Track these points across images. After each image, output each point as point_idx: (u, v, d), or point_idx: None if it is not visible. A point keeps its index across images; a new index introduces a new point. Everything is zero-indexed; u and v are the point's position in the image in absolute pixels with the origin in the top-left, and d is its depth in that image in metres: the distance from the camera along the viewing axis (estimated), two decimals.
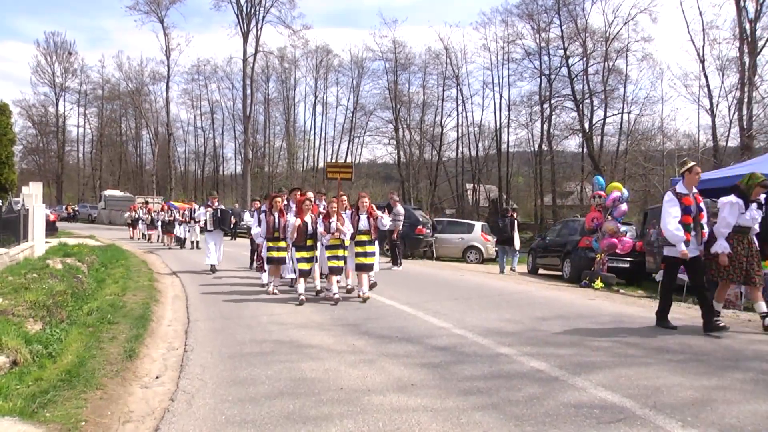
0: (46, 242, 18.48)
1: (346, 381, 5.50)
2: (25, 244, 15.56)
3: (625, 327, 8.56)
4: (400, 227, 18.35)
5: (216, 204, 16.10)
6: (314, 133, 64.08)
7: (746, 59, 30.90)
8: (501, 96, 50.28)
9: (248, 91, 51.44)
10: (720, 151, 32.70)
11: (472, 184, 53.21)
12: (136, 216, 32.38)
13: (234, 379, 5.60)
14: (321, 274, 11.44)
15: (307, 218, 10.77)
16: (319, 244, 11.09)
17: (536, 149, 47.68)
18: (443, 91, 53.95)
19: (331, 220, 10.58)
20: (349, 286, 11.64)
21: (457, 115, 53.37)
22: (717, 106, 34.57)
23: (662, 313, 8.58)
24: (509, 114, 49.30)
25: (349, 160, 59.15)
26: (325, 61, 60.77)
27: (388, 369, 5.92)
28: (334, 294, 10.47)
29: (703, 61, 34.31)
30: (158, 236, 28.66)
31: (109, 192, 58.31)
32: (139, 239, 30.94)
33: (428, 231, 23.77)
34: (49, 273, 10.91)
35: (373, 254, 11.10)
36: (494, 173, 51.40)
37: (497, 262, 24.29)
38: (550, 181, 46.14)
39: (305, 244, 10.72)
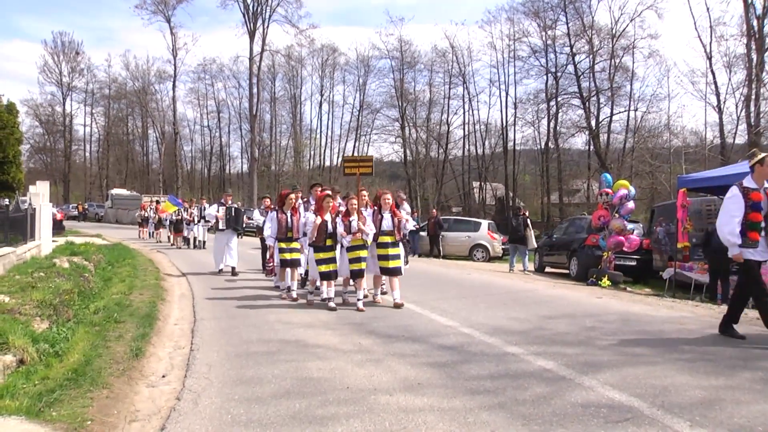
0: (53, 241, 18.52)
1: (352, 380, 5.48)
2: (32, 242, 15.60)
3: (633, 326, 8.52)
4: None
5: (230, 202, 15.43)
6: (321, 132, 64.12)
7: (754, 56, 30.71)
8: (507, 94, 50.17)
9: (255, 90, 51.47)
10: (727, 148, 32.57)
11: (478, 182, 53.10)
12: (146, 215, 32.09)
13: (240, 378, 5.59)
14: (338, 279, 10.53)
15: (328, 216, 9.85)
16: (338, 246, 10.20)
17: (543, 147, 47.56)
18: (449, 89, 53.94)
19: (351, 219, 9.76)
20: (377, 297, 10.63)
21: (464, 113, 53.31)
22: (724, 103, 34.47)
23: (730, 321, 7.68)
24: (515, 112, 49.19)
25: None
26: (332, 60, 60.84)
27: (395, 368, 5.90)
28: (358, 300, 9.68)
29: (710, 58, 34.16)
30: (167, 236, 28.17)
31: (116, 191, 58.48)
32: (145, 238, 30.69)
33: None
34: (56, 272, 10.94)
35: (397, 257, 10.11)
36: (501, 171, 51.27)
37: (504, 261, 24.34)
38: (557, 178, 45.97)
39: (324, 244, 9.77)
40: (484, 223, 26.23)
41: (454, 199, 54.89)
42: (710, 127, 38.73)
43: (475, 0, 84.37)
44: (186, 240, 25.66)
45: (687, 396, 5.00)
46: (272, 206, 12.15)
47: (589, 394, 5.02)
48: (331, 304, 9.55)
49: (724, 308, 10.75)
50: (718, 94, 34.39)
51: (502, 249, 25.02)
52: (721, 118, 34.10)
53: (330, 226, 9.78)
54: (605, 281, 14.43)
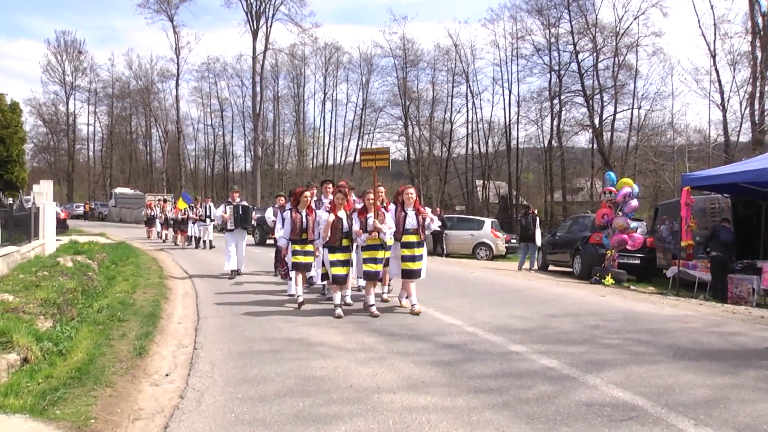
0: (57, 240, 18.55)
1: (356, 379, 5.48)
2: (36, 241, 15.62)
3: (636, 324, 8.51)
4: None
5: (237, 200, 14.44)
6: (324, 130, 63.97)
7: (758, 54, 30.63)
8: (510, 92, 50.03)
9: (258, 89, 51.45)
10: (731, 146, 32.43)
11: (481, 181, 52.99)
12: (152, 214, 30.70)
13: (244, 376, 5.59)
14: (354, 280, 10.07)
15: (342, 213, 9.10)
16: (354, 246, 9.51)
17: (546, 145, 47.41)
18: (452, 87, 53.75)
19: (368, 216, 8.98)
20: (384, 295, 10.31)
21: (467, 111, 53.18)
22: (728, 101, 34.28)
23: None
24: (519, 110, 49.02)
25: (358, 157, 59.01)
26: (335, 58, 60.69)
27: (399, 367, 5.90)
28: (371, 305, 8.94)
29: (714, 56, 34.02)
30: (173, 236, 27.19)
31: (119, 190, 58.56)
32: (153, 239, 29.56)
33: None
34: (60, 271, 10.95)
35: (421, 258, 9.26)
36: (504, 169, 51.14)
37: (508, 259, 24.34)
38: (560, 177, 45.88)
39: (340, 244, 9.01)
40: (488, 222, 26.19)
41: (457, 197, 54.79)
42: (714, 125, 38.68)
43: None
44: (191, 239, 24.85)
45: (691, 395, 4.99)
46: (284, 204, 11.33)
47: (593, 393, 5.02)
48: (338, 312, 8.76)
49: (727, 307, 10.77)
50: (722, 92, 34.27)
51: (506, 247, 25.01)
52: (725, 116, 34.01)
53: (345, 224, 9.02)
54: (609, 279, 14.41)
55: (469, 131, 53.21)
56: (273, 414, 4.54)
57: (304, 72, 62.39)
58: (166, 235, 28.47)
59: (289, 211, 10.09)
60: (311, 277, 11.03)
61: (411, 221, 9.14)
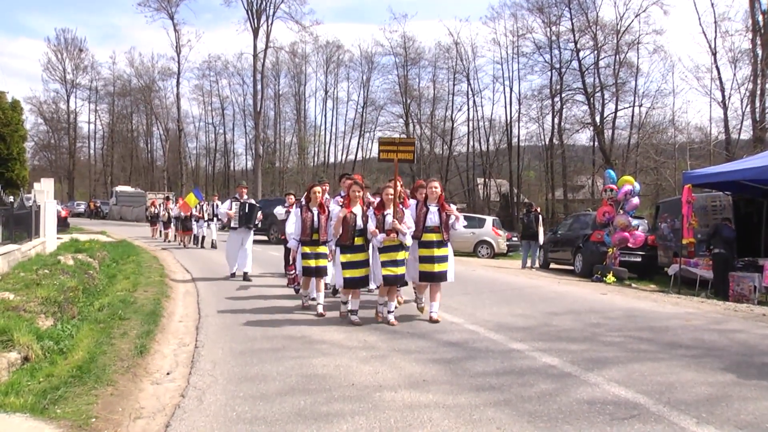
0: (58, 238, 18.55)
1: (357, 377, 5.48)
2: (37, 240, 15.63)
3: (638, 322, 8.51)
4: None
5: (245, 196, 13.40)
6: (325, 128, 64.01)
7: (759, 51, 30.58)
8: (511, 90, 49.98)
9: (259, 87, 51.47)
10: (732, 144, 32.38)
11: (482, 179, 52.98)
12: (156, 212, 29.46)
13: (245, 375, 5.58)
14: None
15: (357, 209, 8.19)
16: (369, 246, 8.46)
17: (547, 143, 47.36)
18: (453, 85, 53.74)
19: (385, 214, 8.03)
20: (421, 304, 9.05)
21: (468, 109, 53.16)
22: (729, 98, 34.22)
23: None
24: (520, 108, 48.97)
25: (359, 155, 59.03)
26: (336, 57, 60.73)
27: (400, 365, 5.89)
28: (389, 312, 8.10)
29: (714, 54, 33.95)
30: (175, 234, 26.05)
31: (120, 188, 58.60)
32: (157, 237, 28.57)
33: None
34: (61, 269, 10.94)
35: (444, 259, 8.25)
36: (505, 167, 51.11)
37: (509, 257, 24.33)
38: (561, 175, 45.82)
39: (353, 243, 8.10)
40: (489, 220, 26.16)
41: (458, 195, 54.74)
42: (715, 122, 38.48)
43: None
44: (195, 238, 23.88)
45: (693, 392, 4.99)
46: (295, 202, 10.39)
47: (594, 391, 5.01)
48: (355, 318, 8.00)
49: (729, 305, 10.76)
50: (723, 90, 34.21)
51: (507, 245, 24.99)
52: (726, 114, 33.95)
53: (360, 221, 8.09)
54: (610, 277, 14.41)
55: (470, 129, 53.21)
56: (274, 412, 4.53)
57: (305, 70, 62.48)
58: (168, 234, 27.44)
59: (299, 209, 9.17)
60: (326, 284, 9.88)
61: (433, 218, 8.16)
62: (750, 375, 5.59)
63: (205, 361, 6.13)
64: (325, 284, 9.55)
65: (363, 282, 8.28)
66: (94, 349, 6.21)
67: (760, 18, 30.47)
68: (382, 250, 8.06)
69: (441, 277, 8.22)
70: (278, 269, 14.15)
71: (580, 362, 5.96)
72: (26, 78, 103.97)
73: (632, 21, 40.86)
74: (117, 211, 53.97)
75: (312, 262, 8.89)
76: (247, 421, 4.36)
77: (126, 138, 74.95)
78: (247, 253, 13.06)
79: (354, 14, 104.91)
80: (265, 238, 26.01)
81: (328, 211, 9.02)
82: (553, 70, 45.31)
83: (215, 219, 21.56)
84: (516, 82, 49.94)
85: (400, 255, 8.10)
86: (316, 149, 63.52)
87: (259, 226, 13.88)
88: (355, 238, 8.12)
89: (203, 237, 23.48)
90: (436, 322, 8.04)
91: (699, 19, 48.88)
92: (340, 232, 8.09)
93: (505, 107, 51.78)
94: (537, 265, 19.75)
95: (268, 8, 49.99)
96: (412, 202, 8.48)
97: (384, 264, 8.02)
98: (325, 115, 65.99)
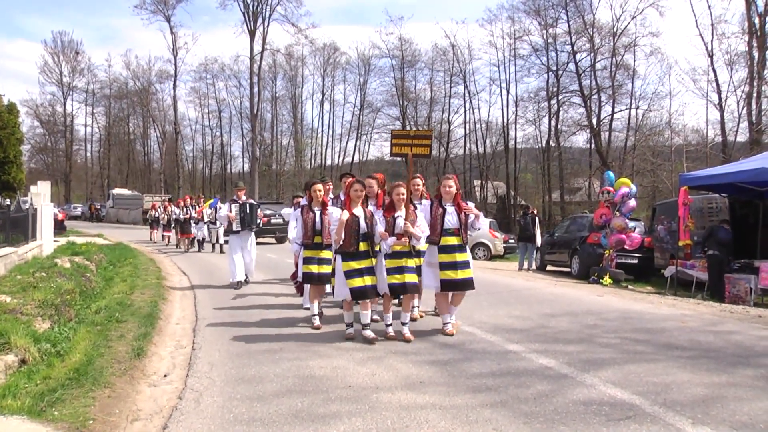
0: (55, 241, 18.52)
1: (354, 379, 5.49)
2: (34, 243, 15.60)
3: (634, 323, 8.52)
4: None
5: (243, 198, 12.50)
6: (322, 131, 64.07)
7: (755, 54, 30.70)
8: (508, 92, 50.12)
9: (255, 89, 51.42)
10: (729, 146, 32.49)
11: (479, 181, 53.05)
12: (156, 215, 28.28)
13: (242, 377, 5.59)
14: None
15: (359, 211, 7.22)
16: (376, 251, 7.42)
17: (544, 145, 47.48)
18: (450, 87, 53.89)
19: (396, 216, 7.24)
20: (416, 311, 8.43)
21: (465, 111, 53.26)
22: (725, 101, 34.37)
23: None
24: (516, 110, 49.10)
25: (356, 158, 59.04)
26: (332, 59, 60.82)
27: (397, 366, 5.90)
28: (388, 325, 7.28)
29: (711, 56, 34.08)
30: (176, 238, 24.97)
31: (117, 191, 58.53)
32: (157, 241, 27.66)
33: None
34: (58, 272, 10.94)
35: (466, 265, 7.39)
36: (502, 170, 51.21)
37: (506, 259, 24.36)
38: (558, 177, 45.91)
39: (357, 249, 7.10)
40: (486, 222, 26.18)
41: None
42: (712, 124, 38.65)
43: None
44: (194, 242, 23.16)
45: (689, 393, 5.01)
46: (294, 205, 9.65)
47: (590, 392, 5.03)
48: (368, 333, 7.04)
49: (725, 306, 10.79)
50: (719, 92, 34.35)
51: (504, 247, 25.02)
52: (722, 116, 34.06)
53: (364, 224, 7.16)
54: (607, 279, 14.43)
55: (467, 131, 53.30)
56: (271, 414, 4.54)
57: (302, 72, 62.63)
58: (169, 237, 26.41)
59: (300, 209, 8.42)
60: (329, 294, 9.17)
61: (451, 220, 7.37)
62: (745, 376, 5.61)
63: (202, 363, 6.13)
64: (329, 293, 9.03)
65: (374, 291, 7.15)
66: (91, 351, 6.22)
67: (757, 20, 30.60)
68: (390, 255, 7.17)
69: (465, 284, 7.37)
70: (278, 274, 14.18)
71: (577, 363, 5.98)
72: (23, 80, 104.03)
73: (628, 23, 41.06)
74: (114, 213, 53.90)
75: (314, 268, 8.07)
76: (244, 423, 4.37)
77: (123, 141, 74.92)
78: (250, 257, 12.47)
79: (351, 16, 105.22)
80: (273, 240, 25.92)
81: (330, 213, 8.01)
82: (550, 73, 45.47)
83: (218, 223, 20.63)
84: (513, 84, 50.10)
85: (410, 262, 7.20)
86: (313, 152, 63.64)
87: (261, 226, 13.05)
88: (360, 244, 7.10)
89: (203, 240, 22.89)
90: (450, 335, 7.32)
91: (696, 21, 49.30)
92: (342, 237, 7.06)
93: (502, 109, 52.07)
94: (534, 267, 19.78)
95: (264, 10, 49.99)
96: (425, 202, 7.79)
97: (389, 271, 7.11)
98: (322, 118, 66.26)
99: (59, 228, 25.62)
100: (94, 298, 10.08)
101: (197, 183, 72.59)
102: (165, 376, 5.82)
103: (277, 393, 5.06)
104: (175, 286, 12.43)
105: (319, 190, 8.30)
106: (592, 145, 43.23)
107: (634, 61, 42.64)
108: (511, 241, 25.40)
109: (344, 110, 62.92)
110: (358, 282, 7.02)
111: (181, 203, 23.86)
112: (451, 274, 7.30)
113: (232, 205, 12.28)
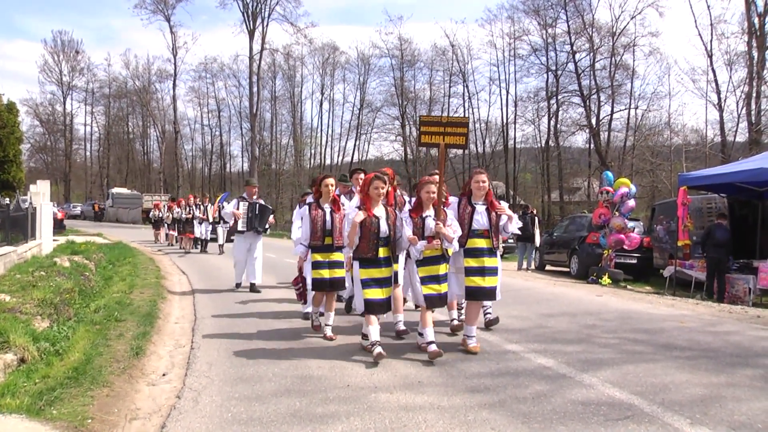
0: (54, 240, 18.53)
1: (352, 378, 5.49)
2: (33, 242, 15.61)
3: (633, 323, 8.53)
4: None
5: (255, 197, 11.71)
6: (321, 130, 63.98)
7: (755, 54, 30.67)
8: (507, 92, 50.07)
9: (255, 89, 51.42)
10: (728, 146, 32.50)
11: None
12: (160, 215, 27.24)
13: (241, 376, 5.59)
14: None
15: (380, 211, 6.43)
16: (403, 258, 6.99)
17: (543, 145, 47.46)
18: (449, 87, 53.88)
19: (425, 216, 6.43)
20: (455, 321, 7.53)
21: (464, 111, 53.11)
22: (725, 101, 34.37)
23: None
24: (516, 110, 49.09)
25: (356, 157, 59.04)
26: (332, 59, 60.68)
27: (395, 366, 5.90)
28: (430, 343, 6.18)
29: (710, 56, 34.07)
30: (180, 238, 23.72)
31: (116, 190, 58.46)
32: (161, 242, 26.81)
33: None
34: (57, 271, 10.94)
35: (494, 271, 6.58)
36: (501, 169, 51.16)
37: (504, 259, 24.31)
38: (557, 177, 45.92)
39: (375, 255, 6.30)
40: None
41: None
42: (711, 125, 38.69)
43: None
44: (197, 242, 22.28)
45: (687, 393, 5.01)
46: (299, 202, 8.97)
47: (589, 392, 5.03)
48: (378, 350, 6.08)
49: (724, 306, 10.80)
50: (718, 92, 34.35)
51: (503, 247, 24.97)
52: (721, 116, 34.05)
53: (384, 226, 6.34)
54: (606, 279, 14.44)
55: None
56: (270, 413, 4.54)
57: (302, 72, 62.49)
58: (171, 236, 25.49)
59: (307, 207, 7.53)
60: (342, 298, 8.71)
61: (480, 220, 6.60)
62: (743, 376, 5.61)
63: (200, 362, 6.13)
64: (343, 299, 8.62)
65: (385, 306, 6.42)
66: (90, 350, 6.22)
67: (756, 20, 30.58)
68: (422, 263, 6.36)
69: (491, 294, 6.64)
70: (277, 275, 14.03)
71: (575, 363, 5.98)
72: (23, 80, 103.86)
73: (628, 23, 41.04)
74: (113, 213, 53.88)
75: (325, 273, 7.18)
76: (242, 422, 4.37)
77: (122, 140, 74.85)
78: (256, 261, 11.53)
79: (350, 16, 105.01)
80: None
81: (343, 210, 7.43)
82: (549, 73, 45.45)
83: (222, 222, 20.16)
84: (512, 84, 50.04)
85: (442, 269, 6.41)
86: (313, 151, 63.53)
87: (268, 230, 12.22)
88: (379, 249, 6.31)
89: (205, 240, 22.15)
90: (474, 353, 6.46)
91: (695, 21, 49.29)
92: (357, 242, 6.31)
93: (501, 109, 52.03)
94: (533, 266, 19.79)
95: (263, 10, 49.98)
96: (453, 200, 6.94)
97: (424, 281, 6.34)
98: (321, 117, 66.09)
99: (58, 227, 25.61)
100: (93, 297, 10.09)
101: (196, 182, 72.52)
102: (164, 375, 5.83)
103: (275, 392, 5.06)
104: (174, 285, 12.42)
105: (331, 185, 7.38)
106: (592, 145, 43.24)
107: (634, 61, 42.66)
108: (510, 240, 25.36)
109: (344, 110, 62.95)
110: (375, 294, 6.25)
111: (183, 202, 23.09)
112: (478, 281, 6.48)
113: (241, 203, 11.43)
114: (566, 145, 47.17)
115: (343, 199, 7.88)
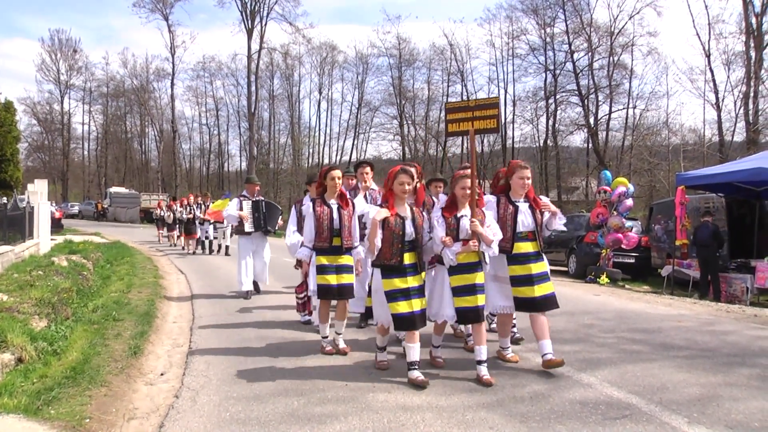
0: (52, 239, 18.53)
1: (350, 378, 5.49)
2: (31, 241, 15.60)
3: (631, 323, 8.53)
4: None
5: (256, 194, 10.89)
6: (319, 130, 63.93)
7: (752, 53, 30.69)
8: (506, 92, 50.07)
9: (253, 88, 51.37)
10: (726, 146, 32.52)
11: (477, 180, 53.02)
12: (162, 215, 26.24)
13: (239, 375, 5.59)
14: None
15: (406, 210, 5.58)
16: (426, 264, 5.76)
17: (541, 145, 47.50)
18: (448, 86, 53.83)
19: (460, 215, 5.54)
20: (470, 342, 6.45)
21: None
22: (723, 100, 34.41)
23: None
24: (514, 109, 49.14)
25: (354, 157, 59.00)
26: (330, 58, 60.64)
27: (394, 366, 5.90)
28: (480, 363, 5.44)
29: (708, 56, 34.12)
30: (178, 237, 23.63)
31: (114, 189, 58.32)
32: (164, 242, 26.22)
33: None
34: (55, 270, 10.93)
35: (545, 277, 5.80)
36: (499, 169, 51.21)
37: None
38: (555, 176, 45.95)
39: (400, 262, 5.42)
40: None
41: None
42: (709, 124, 38.66)
43: None
44: (200, 243, 21.60)
45: (685, 393, 5.02)
46: (299, 201, 8.32)
47: (587, 392, 5.03)
48: (416, 374, 5.28)
49: (721, 306, 10.81)
50: (716, 92, 34.39)
51: None
52: (719, 116, 34.09)
53: (410, 228, 5.48)
54: (604, 278, 14.44)
55: None
56: (268, 413, 4.54)
57: (300, 71, 62.41)
58: (173, 237, 24.82)
59: (310, 204, 6.64)
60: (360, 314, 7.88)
61: (525, 220, 5.81)
62: (741, 375, 5.62)
63: (198, 361, 6.13)
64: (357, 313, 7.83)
65: (422, 319, 5.50)
66: (87, 350, 6.21)
67: (754, 20, 30.59)
68: (454, 270, 5.48)
69: (547, 303, 5.76)
70: (277, 274, 13.46)
71: (573, 363, 5.98)
72: (20, 79, 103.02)
73: (626, 23, 41.07)
74: (111, 212, 53.80)
75: (332, 279, 6.30)
76: (240, 422, 4.37)
77: (120, 139, 74.71)
78: (263, 263, 10.83)
79: (348, 15, 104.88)
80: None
81: (353, 205, 6.64)
82: (548, 72, 45.46)
83: (225, 222, 18.26)
84: (510, 83, 50.08)
85: (479, 278, 5.51)
86: (311, 150, 63.50)
87: (274, 231, 11.23)
88: (405, 254, 5.45)
89: (210, 241, 21.26)
90: (516, 361, 6.06)
91: (693, 21, 49.40)
92: (379, 245, 5.43)
93: (500, 109, 51.87)
94: None
95: (261, 9, 49.91)
96: (488, 198, 6.05)
97: (456, 291, 5.47)
98: (320, 117, 65.92)
99: (56, 226, 25.57)
100: (91, 296, 10.08)
101: (195, 181, 72.42)
102: (162, 374, 5.83)
103: (273, 392, 5.06)
104: (172, 285, 12.42)
105: (338, 178, 6.49)
106: (590, 145, 43.26)
107: (632, 60, 42.67)
108: None
109: (342, 109, 62.83)
110: (404, 307, 5.32)
111: (185, 201, 22.33)
112: (526, 291, 5.69)
113: (243, 203, 10.52)
114: (564, 144, 47.20)
115: (359, 199, 7.29)
